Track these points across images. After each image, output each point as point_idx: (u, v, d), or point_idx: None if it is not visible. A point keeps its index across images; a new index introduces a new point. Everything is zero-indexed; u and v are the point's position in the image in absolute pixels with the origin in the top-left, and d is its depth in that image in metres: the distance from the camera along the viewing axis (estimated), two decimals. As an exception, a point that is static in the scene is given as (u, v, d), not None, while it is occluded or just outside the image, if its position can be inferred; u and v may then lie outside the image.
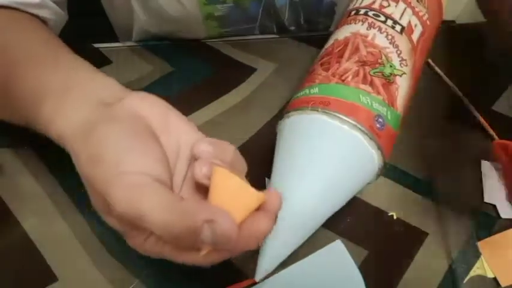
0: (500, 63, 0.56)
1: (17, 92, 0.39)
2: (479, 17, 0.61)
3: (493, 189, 0.45)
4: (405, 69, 0.44)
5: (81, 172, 0.33)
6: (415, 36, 0.46)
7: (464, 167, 0.47)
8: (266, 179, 0.44)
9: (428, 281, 0.40)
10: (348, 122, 0.39)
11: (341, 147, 0.39)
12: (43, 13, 0.47)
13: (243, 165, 0.35)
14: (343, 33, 0.47)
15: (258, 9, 0.58)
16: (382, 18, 0.46)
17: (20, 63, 0.40)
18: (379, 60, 0.43)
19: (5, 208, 0.43)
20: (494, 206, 0.44)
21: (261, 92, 0.53)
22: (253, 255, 0.40)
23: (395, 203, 0.44)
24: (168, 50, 0.59)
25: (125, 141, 0.32)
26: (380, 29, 0.45)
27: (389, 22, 0.46)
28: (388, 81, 0.42)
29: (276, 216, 0.32)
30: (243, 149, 0.41)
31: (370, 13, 0.47)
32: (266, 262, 0.38)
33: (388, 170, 0.46)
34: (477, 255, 0.41)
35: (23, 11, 0.45)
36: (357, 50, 0.44)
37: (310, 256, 0.40)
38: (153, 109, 0.35)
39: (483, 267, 0.40)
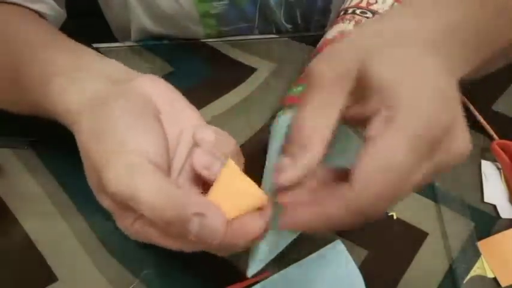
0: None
1: (26, 76, 0.39)
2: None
3: (493, 189, 0.45)
4: None
5: (82, 146, 0.33)
6: None
7: (464, 167, 0.47)
8: (266, 179, 0.44)
9: (428, 281, 0.40)
10: None
11: (333, 144, 0.38)
12: (42, 8, 0.47)
13: (240, 161, 0.34)
14: (332, 33, 0.48)
15: (254, 7, 0.58)
16: (369, 14, 0.46)
17: (27, 49, 0.40)
18: None
19: (5, 208, 0.43)
20: (494, 206, 0.44)
21: (261, 92, 0.53)
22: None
23: (395, 203, 0.44)
24: (168, 50, 0.59)
25: (130, 119, 0.31)
26: None
27: None
28: None
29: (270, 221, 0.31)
30: (242, 149, 0.41)
31: (358, 11, 0.47)
32: (258, 257, 0.38)
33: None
34: (477, 255, 0.40)
35: (22, 6, 0.45)
36: None
37: (310, 256, 0.40)
38: (161, 92, 0.35)
39: (483, 267, 0.40)
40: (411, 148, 0.26)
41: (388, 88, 0.27)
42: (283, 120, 0.43)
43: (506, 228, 0.42)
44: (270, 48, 0.59)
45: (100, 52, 0.57)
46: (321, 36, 0.60)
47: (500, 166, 0.46)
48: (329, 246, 0.40)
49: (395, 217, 0.43)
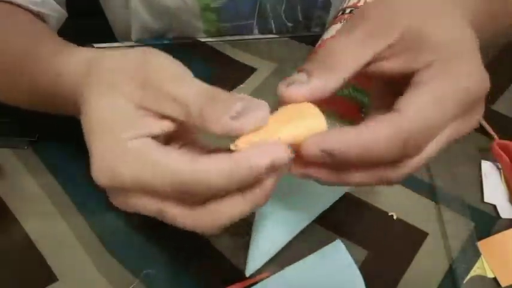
0: (500, 63, 0.56)
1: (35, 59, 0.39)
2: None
3: (493, 189, 0.45)
4: None
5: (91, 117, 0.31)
6: None
7: (464, 167, 0.47)
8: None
9: (428, 281, 0.40)
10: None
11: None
12: (43, 9, 0.47)
13: None
14: (329, 33, 0.48)
15: (254, 2, 0.58)
16: None
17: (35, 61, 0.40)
18: None
19: (5, 208, 0.43)
20: (494, 206, 0.44)
21: (261, 92, 0.53)
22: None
23: (395, 203, 0.44)
24: (168, 50, 0.58)
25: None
26: None
27: None
28: None
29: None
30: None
31: (355, 11, 0.47)
32: (256, 256, 0.38)
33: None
34: (477, 255, 0.40)
35: (23, 8, 0.46)
36: None
37: (310, 256, 0.40)
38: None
39: (483, 267, 0.40)
40: (460, 97, 0.28)
41: (448, 45, 0.29)
42: None
43: (506, 228, 0.42)
44: (270, 48, 0.58)
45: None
46: (320, 35, 0.60)
47: (500, 166, 0.46)
48: (329, 246, 0.40)
49: (395, 217, 0.43)
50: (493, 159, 0.47)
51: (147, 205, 0.30)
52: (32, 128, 0.48)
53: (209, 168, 0.26)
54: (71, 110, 0.34)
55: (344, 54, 0.29)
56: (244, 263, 0.40)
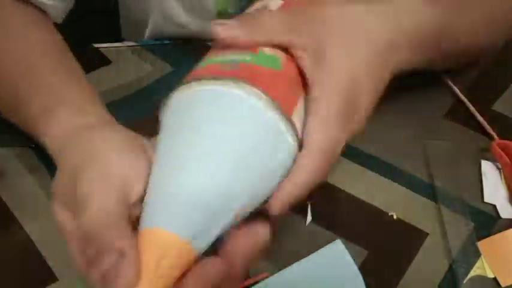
0: (501, 63, 0.56)
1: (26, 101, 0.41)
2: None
3: (493, 189, 0.45)
4: None
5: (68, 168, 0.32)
6: None
7: (464, 167, 0.47)
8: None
9: (428, 281, 0.40)
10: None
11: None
12: (47, 1, 0.47)
13: None
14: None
15: None
16: None
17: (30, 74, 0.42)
18: None
19: (5, 209, 0.43)
20: (494, 206, 0.44)
21: (261, 92, 0.53)
22: (253, 255, 0.41)
23: (395, 203, 0.44)
24: (168, 50, 0.59)
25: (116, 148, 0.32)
26: None
27: None
28: None
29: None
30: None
31: None
32: None
33: (388, 170, 0.46)
34: (477, 255, 0.40)
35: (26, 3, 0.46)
36: None
37: (310, 256, 0.40)
38: None
39: (483, 267, 0.40)
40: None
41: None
42: (178, 99, 0.32)
43: (506, 228, 0.42)
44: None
45: (100, 52, 0.58)
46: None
47: (500, 166, 0.46)
48: (329, 246, 0.40)
49: (395, 217, 0.43)
50: (493, 159, 0.47)
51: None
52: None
53: None
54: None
55: (269, 24, 0.34)
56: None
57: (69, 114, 0.37)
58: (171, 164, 0.29)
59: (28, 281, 0.39)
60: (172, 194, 0.28)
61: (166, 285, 0.27)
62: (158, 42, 0.60)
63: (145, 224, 0.28)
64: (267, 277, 0.39)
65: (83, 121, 0.36)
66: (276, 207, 0.29)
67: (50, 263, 0.40)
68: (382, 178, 0.46)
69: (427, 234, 0.42)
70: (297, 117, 0.32)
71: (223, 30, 0.33)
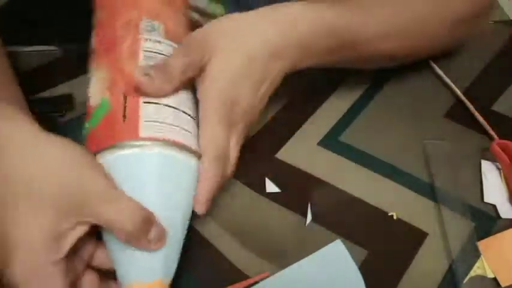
0: (501, 63, 0.56)
1: None
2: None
3: (493, 189, 0.45)
4: None
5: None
6: None
7: (464, 167, 0.47)
8: (266, 179, 0.45)
9: (428, 281, 0.40)
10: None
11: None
12: None
13: None
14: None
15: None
16: None
17: None
18: None
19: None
20: (494, 206, 0.44)
21: (261, 92, 0.53)
22: (253, 255, 0.41)
23: (395, 203, 0.44)
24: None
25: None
26: None
27: None
28: None
29: None
30: (242, 150, 0.41)
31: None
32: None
33: (388, 170, 0.46)
34: (477, 255, 0.41)
35: None
36: None
37: (310, 256, 0.40)
38: None
39: (483, 267, 0.40)
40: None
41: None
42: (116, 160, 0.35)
43: (506, 228, 0.42)
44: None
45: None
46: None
47: (500, 166, 0.46)
48: (329, 246, 0.40)
49: (395, 217, 0.43)
50: (493, 159, 0.47)
51: None
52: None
53: None
54: None
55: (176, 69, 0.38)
56: (248, 264, 0.40)
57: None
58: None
59: (28, 281, 0.39)
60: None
61: None
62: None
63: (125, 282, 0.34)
64: (267, 277, 0.39)
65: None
66: (201, 209, 0.37)
67: (50, 263, 0.40)
68: (382, 178, 0.46)
69: (427, 234, 0.42)
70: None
71: (149, 85, 0.37)
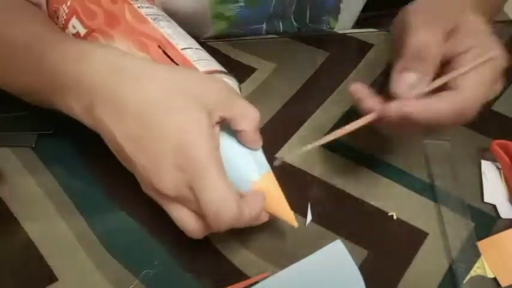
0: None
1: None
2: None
3: (493, 189, 0.45)
4: None
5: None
6: None
7: (464, 167, 0.47)
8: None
9: (428, 281, 0.40)
10: None
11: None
12: None
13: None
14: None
15: (267, 9, 0.58)
16: None
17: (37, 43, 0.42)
18: None
19: (5, 209, 0.43)
20: (494, 206, 0.44)
21: (261, 92, 0.53)
22: (253, 255, 0.41)
23: (395, 203, 0.44)
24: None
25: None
26: None
27: None
28: None
29: None
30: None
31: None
32: None
33: (388, 170, 0.46)
34: (477, 255, 0.41)
35: None
36: None
37: (310, 256, 0.40)
38: None
39: (483, 267, 0.40)
40: (494, 76, 0.38)
41: (478, 35, 0.39)
42: None
43: (506, 228, 0.42)
44: (270, 48, 0.58)
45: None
46: (322, 36, 0.60)
47: (500, 166, 0.46)
48: (329, 246, 0.40)
49: (395, 217, 0.43)
50: (493, 159, 0.47)
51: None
52: (46, 121, 0.48)
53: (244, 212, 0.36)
54: (63, 99, 0.38)
55: (431, 49, 0.38)
56: (248, 264, 0.40)
57: (111, 53, 0.38)
58: None
59: (28, 281, 0.39)
60: None
61: None
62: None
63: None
64: (267, 277, 0.39)
65: (132, 59, 0.38)
66: (392, 110, 0.38)
67: (50, 263, 0.40)
68: (382, 178, 0.46)
69: (427, 234, 0.42)
70: None
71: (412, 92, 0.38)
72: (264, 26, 0.60)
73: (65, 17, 0.45)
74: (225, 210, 0.34)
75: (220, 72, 0.42)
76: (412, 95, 0.37)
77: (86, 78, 0.36)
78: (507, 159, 0.45)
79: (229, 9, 0.56)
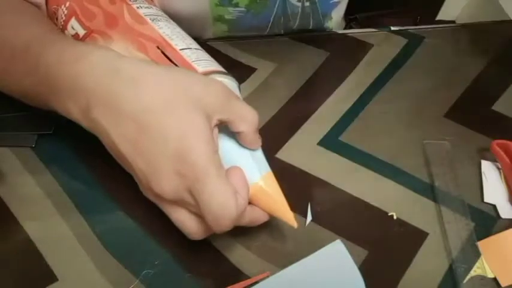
0: (501, 63, 0.56)
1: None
2: (480, 17, 0.61)
3: (493, 189, 0.45)
4: None
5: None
6: None
7: (464, 167, 0.47)
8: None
9: (428, 281, 0.40)
10: None
11: None
12: None
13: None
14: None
15: (269, 16, 0.57)
16: None
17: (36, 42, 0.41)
18: None
19: (5, 209, 0.43)
20: (494, 206, 0.44)
21: (261, 92, 0.53)
22: (253, 255, 0.41)
23: (395, 203, 0.44)
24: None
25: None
26: None
27: None
28: None
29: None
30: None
31: None
32: None
33: (388, 170, 0.46)
34: (477, 255, 0.41)
35: None
36: None
37: (310, 256, 0.40)
38: None
39: (483, 267, 0.40)
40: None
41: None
42: None
43: (506, 228, 0.42)
44: (270, 48, 0.58)
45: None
46: (322, 36, 0.60)
47: (500, 166, 0.46)
48: (329, 246, 0.40)
49: (395, 217, 0.43)
50: (493, 159, 0.47)
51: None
52: (46, 121, 0.48)
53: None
54: (59, 100, 0.38)
55: None
56: (248, 264, 0.40)
57: (109, 54, 0.37)
58: None
59: (28, 281, 0.39)
60: None
61: None
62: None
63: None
64: (267, 277, 0.39)
65: (130, 61, 0.37)
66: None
67: (50, 263, 0.40)
68: (382, 178, 0.46)
69: (427, 234, 0.42)
70: None
71: None
72: (267, 32, 0.60)
73: (64, 18, 0.45)
74: (226, 213, 0.34)
75: (220, 72, 0.42)
76: None
77: (82, 80, 0.36)
78: (507, 159, 0.45)
79: (229, 12, 0.56)
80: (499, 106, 0.52)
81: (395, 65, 0.56)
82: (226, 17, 0.56)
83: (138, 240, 0.41)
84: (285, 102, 0.52)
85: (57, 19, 0.46)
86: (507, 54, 0.57)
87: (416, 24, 0.63)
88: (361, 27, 0.61)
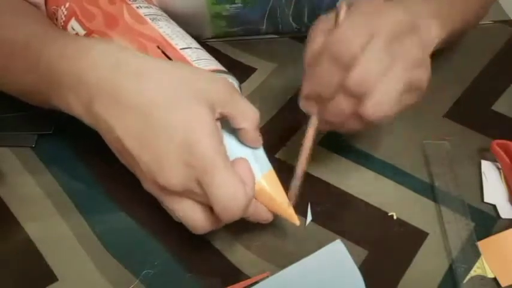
0: (501, 63, 0.56)
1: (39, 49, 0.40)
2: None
3: (493, 189, 0.45)
4: None
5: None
6: None
7: (464, 167, 0.47)
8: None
9: (428, 281, 0.40)
10: None
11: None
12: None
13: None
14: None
15: (265, 7, 0.58)
16: None
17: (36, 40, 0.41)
18: None
19: (5, 209, 0.43)
20: (494, 206, 0.44)
21: (261, 92, 0.53)
22: (253, 255, 0.41)
23: (395, 203, 0.44)
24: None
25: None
26: None
27: None
28: None
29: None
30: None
31: None
32: None
33: (388, 170, 0.46)
34: (477, 255, 0.40)
35: None
36: None
37: (310, 256, 0.40)
38: None
39: (483, 267, 0.40)
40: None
41: None
42: None
43: (506, 228, 0.42)
44: (270, 48, 0.58)
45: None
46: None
47: (500, 166, 0.46)
48: (329, 246, 0.40)
49: (395, 217, 0.43)
50: (493, 159, 0.47)
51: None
52: (46, 121, 0.48)
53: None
54: (60, 96, 0.38)
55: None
56: (248, 264, 0.40)
57: (112, 48, 0.37)
58: None
59: (28, 281, 0.39)
60: None
61: None
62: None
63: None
64: (267, 277, 0.39)
65: (135, 55, 0.37)
66: None
67: (50, 263, 0.40)
68: (382, 178, 0.46)
69: (427, 234, 0.42)
70: None
71: None
72: (264, 26, 0.60)
73: (63, 19, 0.45)
74: (235, 204, 0.34)
75: (220, 71, 0.42)
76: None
77: (85, 74, 0.36)
78: (507, 159, 0.45)
79: (226, 9, 0.56)
80: (499, 106, 0.52)
81: (395, 65, 0.56)
82: (224, 13, 0.56)
83: (138, 240, 0.41)
84: (285, 102, 0.52)
85: (56, 19, 0.46)
86: (507, 54, 0.57)
87: (416, 24, 0.63)
88: (361, 27, 0.61)
